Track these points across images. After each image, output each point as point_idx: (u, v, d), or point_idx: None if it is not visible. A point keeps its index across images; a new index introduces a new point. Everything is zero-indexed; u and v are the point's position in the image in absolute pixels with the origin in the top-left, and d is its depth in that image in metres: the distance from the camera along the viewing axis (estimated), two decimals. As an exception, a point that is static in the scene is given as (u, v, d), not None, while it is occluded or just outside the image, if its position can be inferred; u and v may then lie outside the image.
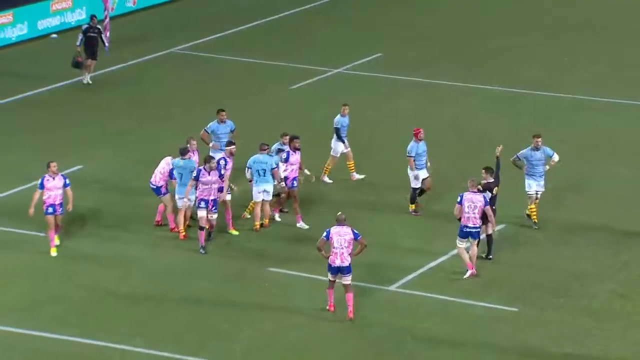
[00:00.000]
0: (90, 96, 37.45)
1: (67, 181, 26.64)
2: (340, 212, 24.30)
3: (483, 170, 26.70)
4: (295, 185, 28.28)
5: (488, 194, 25.87)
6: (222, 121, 30.07)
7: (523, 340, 23.60)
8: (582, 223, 28.31)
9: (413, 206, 28.88)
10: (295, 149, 28.34)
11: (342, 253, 23.79)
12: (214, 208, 26.80)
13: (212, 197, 26.73)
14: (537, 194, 28.03)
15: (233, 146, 28.03)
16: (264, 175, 27.83)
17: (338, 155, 30.64)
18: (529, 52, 41.53)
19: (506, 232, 27.61)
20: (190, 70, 39.90)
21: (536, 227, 27.92)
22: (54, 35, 43.45)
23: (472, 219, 25.33)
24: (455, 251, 26.89)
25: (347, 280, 23.89)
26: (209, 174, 26.65)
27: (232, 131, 30.10)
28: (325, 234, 23.93)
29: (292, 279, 26.06)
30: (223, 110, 30.40)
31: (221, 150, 29.75)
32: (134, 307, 24.96)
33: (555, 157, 28.24)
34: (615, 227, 28.23)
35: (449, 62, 40.39)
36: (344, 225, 23.91)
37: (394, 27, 44.44)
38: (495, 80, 38.52)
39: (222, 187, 27.23)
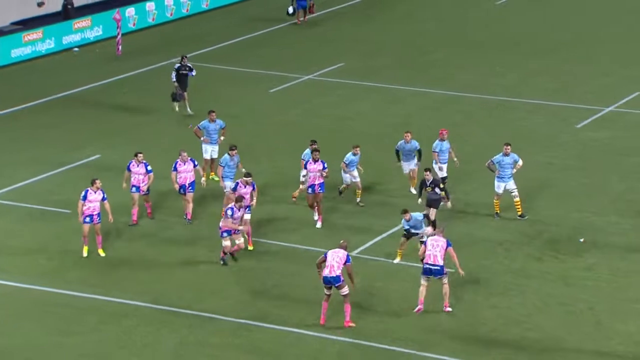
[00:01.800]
0: (105, 98, 37.28)
1: (105, 195, 25.55)
2: (343, 240, 23.05)
3: (425, 171, 26.43)
4: (311, 192, 26.82)
5: (444, 240, 23.18)
6: (212, 120, 29.72)
7: (457, 294, 23.62)
8: (506, 201, 28.11)
9: (443, 193, 27.94)
10: (315, 160, 26.92)
11: (333, 266, 22.19)
12: (237, 231, 24.99)
13: (237, 229, 24.94)
14: (513, 191, 27.22)
15: (249, 177, 25.94)
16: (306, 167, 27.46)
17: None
18: (462, 62, 41.51)
19: (448, 211, 27.29)
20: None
21: (526, 217, 27.18)
22: (76, 49, 43.29)
23: (433, 256, 22.72)
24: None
25: (344, 292, 22.27)
26: (239, 211, 24.89)
27: (222, 128, 29.79)
28: (324, 254, 22.61)
29: (270, 247, 26.09)
30: (213, 111, 30.13)
31: (211, 144, 29.54)
32: (144, 271, 24.99)
33: (520, 162, 27.40)
34: (532, 203, 28.35)
35: (399, 71, 40.27)
36: (342, 249, 22.60)
37: (354, 42, 44.34)
38: (435, 84, 38.73)
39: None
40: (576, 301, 23.62)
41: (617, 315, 22.95)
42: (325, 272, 22.31)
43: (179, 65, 35.06)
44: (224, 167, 27.32)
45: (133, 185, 27.12)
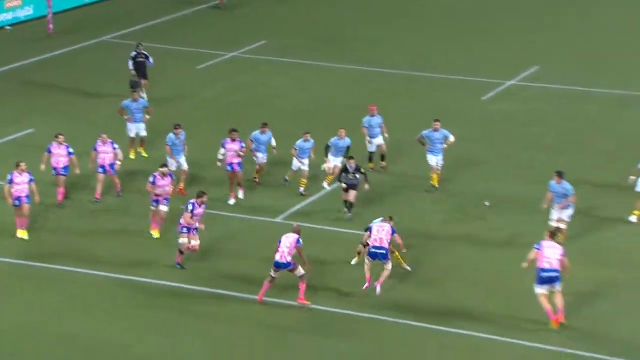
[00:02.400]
0: (38, 76, 37.14)
1: (32, 177, 25.11)
2: (296, 224, 23.00)
3: (349, 159, 26.30)
4: (229, 169, 26.76)
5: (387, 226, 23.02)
6: (134, 100, 29.66)
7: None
8: (426, 174, 28.22)
9: (371, 164, 28.54)
10: (232, 139, 26.76)
11: (283, 251, 22.01)
12: (194, 231, 23.87)
13: (195, 226, 23.82)
14: (437, 165, 27.63)
15: (165, 168, 25.26)
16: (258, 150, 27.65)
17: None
18: (377, 39, 42.09)
19: (379, 188, 27.70)
20: (117, 55, 39.47)
21: (437, 189, 27.57)
22: (9, 28, 43.02)
23: (379, 239, 22.53)
24: (328, 189, 27.63)
25: (298, 273, 22.08)
26: (200, 207, 23.80)
27: (145, 107, 29.72)
28: (279, 240, 22.31)
29: (223, 219, 25.89)
30: (135, 91, 30.33)
31: (135, 122, 29.44)
32: (78, 240, 25.07)
33: (451, 138, 27.57)
34: (448, 173, 28.49)
35: (319, 48, 40.69)
36: (294, 233, 22.43)
37: (276, 20, 44.70)
38: (354, 61, 39.19)
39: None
40: (482, 261, 24.39)
41: (518, 274, 23.61)
42: (277, 257, 22.08)
43: (135, 53, 34.04)
44: (170, 145, 27.30)
45: (53, 168, 26.81)
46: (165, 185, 25.09)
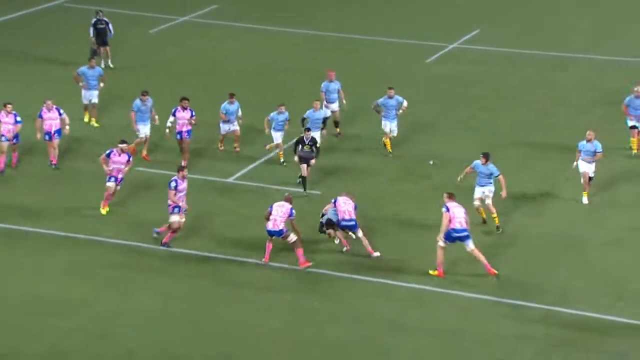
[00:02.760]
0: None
1: None
2: (287, 194, 23.22)
3: (305, 130, 26.31)
4: (178, 137, 26.72)
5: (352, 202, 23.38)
6: (91, 67, 29.69)
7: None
8: (375, 136, 28.70)
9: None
10: (183, 108, 26.74)
11: (276, 219, 22.25)
12: (183, 211, 23.32)
13: (181, 204, 23.14)
14: (391, 131, 28.01)
15: (124, 145, 24.62)
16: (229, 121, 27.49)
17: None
18: (330, 3, 42.53)
19: (338, 163, 27.94)
20: (70, 20, 39.56)
21: (391, 156, 28.01)
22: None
23: (347, 212, 22.96)
24: (268, 156, 27.96)
25: (291, 239, 22.42)
26: (183, 181, 23.20)
27: (100, 75, 29.78)
28: (270, 207, 22.53)
29: (151, 176, 25.91)
30: (92, 59, 30.38)
31: (90, 89, 29.47)
32: (28, 201, 24.90)
33: (405, 104, 28.04)
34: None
35: (270, 12, 40.86)
36: (287, 202, 22.64)
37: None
38: (304, 24, 39.51)
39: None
40: (425, 219, 24.70)
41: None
42: (270, 225, 22.34)
43: (95, 20, 34.02)
44: (135, 112, 27.16)
45: (2, 135, 26.66)
46: (120, 162, 24.48)
